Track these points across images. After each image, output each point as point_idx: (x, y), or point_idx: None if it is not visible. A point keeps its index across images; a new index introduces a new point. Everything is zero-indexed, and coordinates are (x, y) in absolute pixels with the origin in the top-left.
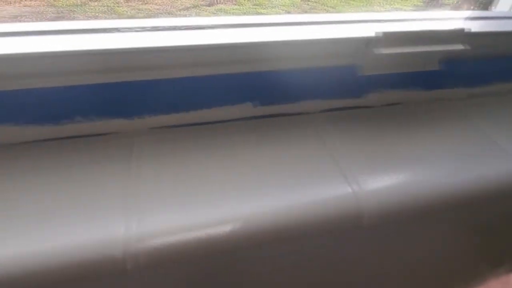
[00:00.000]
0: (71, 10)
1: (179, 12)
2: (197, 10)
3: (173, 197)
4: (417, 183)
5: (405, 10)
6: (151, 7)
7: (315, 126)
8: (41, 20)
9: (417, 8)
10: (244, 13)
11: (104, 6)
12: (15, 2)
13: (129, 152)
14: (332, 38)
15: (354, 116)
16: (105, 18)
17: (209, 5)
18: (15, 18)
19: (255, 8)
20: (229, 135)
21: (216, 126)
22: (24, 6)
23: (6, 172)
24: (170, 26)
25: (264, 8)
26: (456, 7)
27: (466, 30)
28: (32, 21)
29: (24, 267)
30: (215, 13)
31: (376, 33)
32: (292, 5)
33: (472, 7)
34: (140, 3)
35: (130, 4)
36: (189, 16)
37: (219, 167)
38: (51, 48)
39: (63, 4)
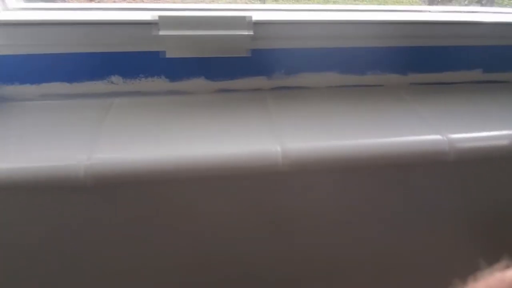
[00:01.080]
0: None
1: None
2: None
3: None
4: None
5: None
6: None
7: None
8: None
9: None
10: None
11: None
12: None
13: (399, 97)
14: None
15: None
16: None
17: None
18: None
19: None
20: (463, 92)
21: (451, 86)
22: None
23: (325, 103)
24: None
25: None
26: None
27: None
28: None
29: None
30: None
31: None
32: None
33: None
34: None
35: None
36: None
37: (452, 113)
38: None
39: None
